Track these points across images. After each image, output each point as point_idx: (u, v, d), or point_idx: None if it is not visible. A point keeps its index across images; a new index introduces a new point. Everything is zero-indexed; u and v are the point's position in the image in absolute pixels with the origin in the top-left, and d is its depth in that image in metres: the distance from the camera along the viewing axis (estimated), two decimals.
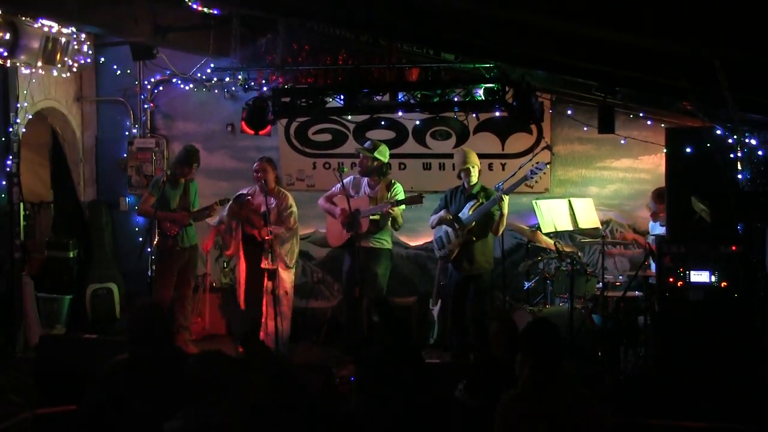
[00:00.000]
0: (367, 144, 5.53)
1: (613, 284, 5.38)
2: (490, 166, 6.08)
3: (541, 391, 2.63)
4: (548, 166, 4.82)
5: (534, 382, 2.64)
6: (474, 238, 5.12)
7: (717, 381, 4.23)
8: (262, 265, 5.25)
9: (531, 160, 5.53)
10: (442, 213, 5.28)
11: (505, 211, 4.99)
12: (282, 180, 6.01)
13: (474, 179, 5.20)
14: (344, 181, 5.50)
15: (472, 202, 5.11)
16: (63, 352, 4.78)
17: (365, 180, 5.55)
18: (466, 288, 5.22)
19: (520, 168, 5.39)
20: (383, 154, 5.45)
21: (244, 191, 5.71)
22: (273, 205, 5.41)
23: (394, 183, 5.49)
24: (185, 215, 5.71)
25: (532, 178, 4.87)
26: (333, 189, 5.62)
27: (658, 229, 5.35)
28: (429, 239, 6.50)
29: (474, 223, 5.10)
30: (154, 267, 5.72)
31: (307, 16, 4.93)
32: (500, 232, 5.12)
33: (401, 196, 5.39)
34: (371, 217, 5.38)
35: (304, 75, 6.05)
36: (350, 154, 6.40)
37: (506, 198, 4.92)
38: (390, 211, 5.24)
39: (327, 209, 5.64)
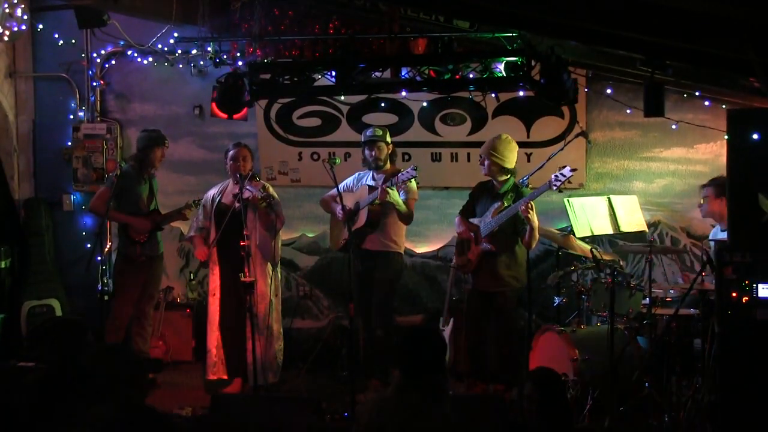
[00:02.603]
0: (372, 132, 5.53)
1: (663, 300, 5.37)
2: None
3: (403, 398, 2.95)
4: (574, 173, 4.77)
5: (399, 388, 2.99)
6: (496, 249, 5.10)
7: None
8: (241, 278, 5.24)
9: (563, 148, 5.52)
10: (459, 225, 5.29)
11: (535, 221, 4.93)
12: (259, 173, 6.01)
13: (495, 173, 5.17)
14: (348, 182, 5.62)
15: (496, 204, 5.11)
16: None
17: (369, 174, 5.60)
18: (486, 306, 5.21)
19: (550, 159, 5.38)
20: (389, 138, 5.56)
21: (214, 190, 5.70)
22: (254, 193, 5.35)
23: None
24: (147, 220, 5.70)
25: (555, 186, 4.81)
26: (333, 190, 5.66)
27: (720, 234, 5.34)
28: (439, 245, 6.52)
29: (498, 230, 5.08)
30: (113, 280, 5.71)
31: None
32: (533, 246, 5.06)
33: (413, 184, 5.41)
34: (370, 207, 5.44)
35: (287, 47, 6.05)
36: (343, 142, 6.40)
37: (532, 205, 4.88)
38: (388, 190, 5.23)
39: (329, 209, 5.72)
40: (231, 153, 5.53)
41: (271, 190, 5.57)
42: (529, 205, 4.88)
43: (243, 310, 5.24)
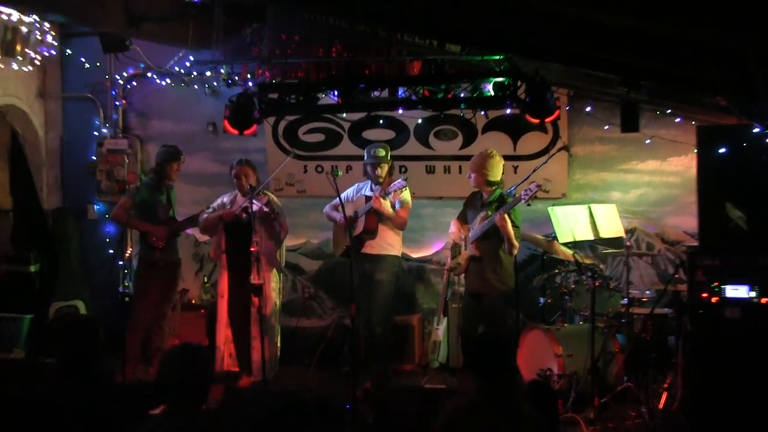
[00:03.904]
0: (374, 152, 5.51)
1: (640, 300, 5.37)
2: None
3: (487, 404, 2.85)
4: (539, 188, 4.77)
5: (480, 395, 2.88)
6: (482, 255, 5.10)
7: (759, 411, 4.20)
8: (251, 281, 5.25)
9: (547, 161, 5.53)
10: (452, 227, 5.29)
11: (509, 231, 4.90)
12: (269, 185, 6.03)
13: (482, 186, 5.17)
14: (349, 192, 5.63)
15: (482, 213, 5.11)
16: (20, 379, 4.74)
17: (368, 184, 5.61)
18: (475, 306, 5.21)
19: (535, 171, 5.39)
20: (388, 154, 5.55)
21: (225, 198, 5.71)
22: (260, 206, 5.39)
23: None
24: (165, 227, 5.70)
25: (524, 199, 4.78)
26: (335, 200, 5.67)
27: None
28: (433, 250, 6.51)
29: (483, 237, 5.07)
30: (134, 283, 5.71)
31: (297, 2, 4.94)
32: (513, 252, 5.02)
33: (407, 195, 5.42)
34: (366, 216, 5.45)
35: (293, 69, 6.05)
36: (345, 156, 6.41)
37: (506, 216, 4.86)
38: (379, 198, 5.23)
39: (331, 217, 5.72)
40: (234, 171, 5.59)
41: (274, 199, 5.58)
42: (503, 216, 4.85)
43: (248, 310, 5.26)
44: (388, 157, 5.52)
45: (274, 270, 5.61)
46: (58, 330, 3.18)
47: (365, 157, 5.56)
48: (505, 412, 2.84)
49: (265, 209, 5.35)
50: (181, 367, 2.75)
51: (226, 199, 5.73)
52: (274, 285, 5.58)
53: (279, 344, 5.74)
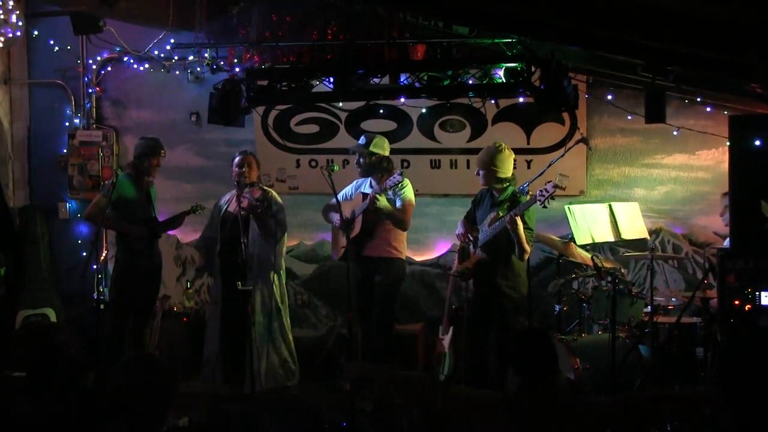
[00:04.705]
0: (361, 140, 5.55)
1: (665, 308, 5.35)
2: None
3: (527, 399, 3.06)
4: (557, 188, 4.73)
5: (521, 390, 3.09)
6: (491, 259, 5.07)
7: None
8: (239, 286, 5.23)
9: (563, 155, 5.50)
10: (459, 228, 5.26)
11: (521, 235, 4.85)
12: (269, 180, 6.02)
13: (491, 183, 5.13)
14: (347, 190, 5.63)
15: (492, 213, 5.07)
16: None
17: (367, 181, 5.59)
18: (485, 314, 5.17)
19: (550, 166, 5.36)
20: (380, 146, 5.51)
21: (225, 198, 5.72)
22: (249, 199, 5.36)
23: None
24: (145, 228, 5.68)
25: (540, 200, 4.74)
26: (333, 199, 5.65)
27: None
28: (438, 253, 6.50)
29: (493, 240, 5.04)
30: (110, 289, 5.69)
31: None
32: (524, 258, 5.00)
33: (408, 192, 5.39)
34: (364, 215, 5.43)
35: (285, 53, 6.04)
36: (341, 149, 6.39)
37: (518, 219, 4.82)
38: (376, 198, 5.22)
39: (328, 218, 5.72)
40: (236, 160, 5.56)
41: (273, 195, 5.57)
42: (515, 219, 4.80)
43: (244, 318, 5.23)
44: (373, 148, 5.46)
45: (271, 273, 5.55)
46: (18, 340, 3.16)
47: None
48: (545, 408, 3.01)
49: (254, 203, 5.32)
50: (133, 379, 2.69)
51: (225, 199, 5.72)
52: (271, 290, 5.53)
53: (288, 356, 5.66)
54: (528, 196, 5.06)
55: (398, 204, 5.41)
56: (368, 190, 5.54)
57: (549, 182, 4.76)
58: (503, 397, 3.17)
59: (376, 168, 5.47)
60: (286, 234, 5.68)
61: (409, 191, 5.43)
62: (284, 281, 5.75)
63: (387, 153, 5.55)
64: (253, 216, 5.42)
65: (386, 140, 5.60)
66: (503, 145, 5.12)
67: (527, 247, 4.92)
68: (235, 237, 5.32)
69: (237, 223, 5.32)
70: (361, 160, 5.52)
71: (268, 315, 5.54)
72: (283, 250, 5.69)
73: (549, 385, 3.11)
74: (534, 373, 3.11)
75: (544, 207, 4.84)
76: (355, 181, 5.75)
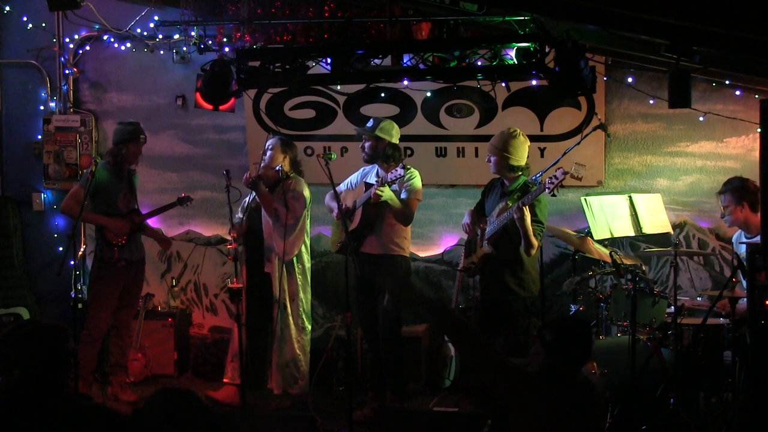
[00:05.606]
0: (369, 123, 5.57)
1: (690, 308, 5.38)
2: None
3: (551, 379, 3.42)
4: (567, 174, 4.75)
5: (547, 368, 3.43)
6: (498, 254, 5.11)
7: None
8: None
9: (580, 143, 5.54)
10: (465, 218, 5.28)
11: (528, 228, 4.88)
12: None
13: (503, 171, 5.16)
14: (353, 178, 5.69)
15: (501, 204, 5.10)
16: None
17: (374, 169, 5.62)
18: (493, 315, 5.21)
19: (565, 154, 5.40)
20: (388, 132, 5.52)
21: (247, 198, 5.77)
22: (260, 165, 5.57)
23: (408, 168, 5.51)
24: (126, 221, 5.72)
25: (549, 188, 4.78)
26: (340, 186, 5.68)
27: (744, 238, 5.34)
28: (444, 248, 6.53)
29: (501, 232, 5.07)
30: (88, 287, 5.73)
31: None
32: (531, 253, 5.04)
33: (416, 183, 5.43)
34: (364, 207, 5.48)
35: (278, 31, 6.07)
36: (340, 136, 6.42)
37: (526, 210, 4.86)
38: (378, 192, 5.25)
39: (330, 207, 5.76)
40: (269, 143, 5.72)
41: (295, 181, 5.64)
42: (521, 208, 4.85)
43: (264, 310, 5.51)
44: (380, 132, 5.47)
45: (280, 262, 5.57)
46: (18, 340, 3.18)
47: None
48: (568, 385, 3.38)
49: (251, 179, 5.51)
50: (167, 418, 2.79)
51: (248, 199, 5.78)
52: (278, 283, 5.55)
53: (297, 356, 5.68)
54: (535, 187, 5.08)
55: (403, 195, 5.43)
56: (373, 180, 5.56)
57: (559, 168, 4.78)
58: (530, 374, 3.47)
59: (380, 155, 5.51)
60: (301, 222, 5.63)
61: (416, 182, 5.45)
62: (299, 277, 5.70)
63: (395, 140, 5.55)
64: (256, 194, 5.55)
65: (396, 126, 5.60)
66: (518, 130, 5.15)
67: (534, 242, 4.95)
68: (256, 228, 5.64)
69: (259, 210, 5.59)
70: (366, 144, 5.55)
71: (278, 310, 5.59)
72: (294, 238, 5.62)
73: (573, 368, 3.45)
74: (568, 360, 3.39)
75: (554, 195, 4.86)
76: (362, 169, 5.76)
